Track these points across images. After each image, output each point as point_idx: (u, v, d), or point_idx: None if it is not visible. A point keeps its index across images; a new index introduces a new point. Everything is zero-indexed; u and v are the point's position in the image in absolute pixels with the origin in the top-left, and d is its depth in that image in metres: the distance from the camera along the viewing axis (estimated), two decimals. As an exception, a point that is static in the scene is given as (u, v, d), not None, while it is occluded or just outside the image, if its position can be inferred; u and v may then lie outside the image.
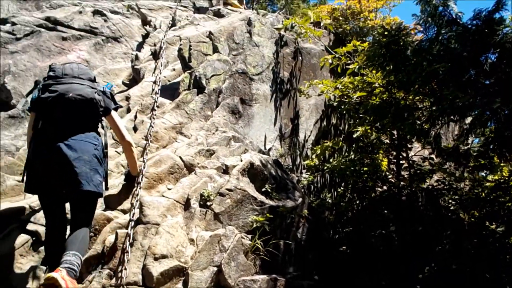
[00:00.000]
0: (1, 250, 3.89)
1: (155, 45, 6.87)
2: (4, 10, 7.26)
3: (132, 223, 3.88)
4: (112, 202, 4.30)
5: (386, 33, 5.24)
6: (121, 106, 4.30)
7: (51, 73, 3.63)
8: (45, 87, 3.55)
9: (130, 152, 4.18)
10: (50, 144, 3.45)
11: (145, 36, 7.47)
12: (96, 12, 7.41)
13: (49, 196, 3.59)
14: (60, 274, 2.97)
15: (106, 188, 3.93)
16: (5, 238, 3.96)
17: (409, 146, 5.91)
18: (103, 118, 3.85)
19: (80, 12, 7.25)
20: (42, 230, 3.97)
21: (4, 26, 6.54)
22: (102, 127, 3.92)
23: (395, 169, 5.92)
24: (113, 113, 3.95)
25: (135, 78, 6.48)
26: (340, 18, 8.27)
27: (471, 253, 4.82)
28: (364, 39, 7.49)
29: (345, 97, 6.01)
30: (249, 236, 4.20)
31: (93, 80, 3.77)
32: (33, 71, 6.14)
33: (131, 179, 4.44)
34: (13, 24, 6.56)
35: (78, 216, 3.54)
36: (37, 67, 6.20)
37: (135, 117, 5.46)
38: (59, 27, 6.81)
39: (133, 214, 4.00)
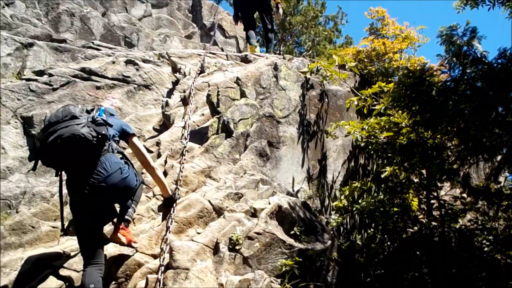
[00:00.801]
0: (36, 296, 4.00)
1: (184, 91, 7.08)
2: (42, 62, 7.63)
3: (162, 268, 3.94)
4: (143, 247, 4.38)
5: (410, 74, 5.30)
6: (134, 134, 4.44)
7: (42, 126, 3.78)
8: (40, 143, 3.68)
9: (156, 175, 4.52)
10: (75, 186, 3.77)
11: (175, 83, 7.70)
12: (129, 62, 7.71)
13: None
14: (121, 233, 3.98)
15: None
16: (39, 284, 4.06)
17: (439, 185, 5.85)
18: (107, 142, 3.93)
19: (114, 62, 7.57)
20: (75, 275, 4.07)
21: (41, 77, 6.87)
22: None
23: (425, 209, 5.85)
24: (134, 139, 4.32)
25: (165, 123, 6.67)
26: (365, 60, 8.36)
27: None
28: (389, 79, 7.56)
29: (372, 137, 6.04)
30: (278, 280, 4.20)
31: (78, 116, 3.72)
32: (68, 120, 6.38)
33: (168, 203, 4.73)
34: (50, 75, 6.89)
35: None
36: (72, 116, 6.44)
37: (165, 162, 5.59)
38: (93, 77, 7.11)
39: (163, 259, 4.07)
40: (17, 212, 5.10)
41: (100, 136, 3.74)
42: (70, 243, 4.61)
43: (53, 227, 4.90)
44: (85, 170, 3.72)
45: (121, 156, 4.01)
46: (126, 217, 4.14)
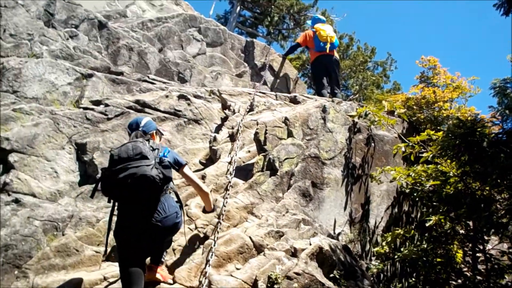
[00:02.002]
0: (76, 318, 4.09)
1: (232, 128, 7.22)
2: (99, 92, 7.97)
3: (201, 303, 3.97)
4: (182, 278, 4.42)
5: (461, 124, 5.25)
6: (186, 163, 4.65)
7: (110, 160, 3.96)
8: (108, 176, 3.90)
9: (206, 197, 4.85)
10: (128, 220, 3.96)
11: (224, 119, 7.87)
12: (181, 96, 7.96)
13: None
14: (157, 271, 4.09)
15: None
16: (80, 307, 4.15)
17: (486, 238, 5.67)
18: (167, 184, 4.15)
19: (167, 96, 7.83)
20: (115, 301, 4.14)
21: (98, 107, 7.17)
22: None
23: (470, 262, 5.66)
24: (185, 170, 4.51)
25: (211, 158, 6.80)
26: (414, 107, 8.34)
27: None
28: (438, 128, 7.49)
29: (418, 184, 5.95)
30: (317, 323, 4.15)
31: (147, 155, 3.91)
32: (119, 149, 6.60)
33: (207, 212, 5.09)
34: (106, 105, 7.18)
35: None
36: (123, 145, 6.67)
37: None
38: (146, 109, 7.37)
39: (202, 292, 4.10)
40: (63, 235, 5.27)
41: (165, 178, 3.97)
42: (111, 269, 4.70)
43: (96, 252, 5.01)
44: (144, 206, 3.92)
45: (176, 199, 4.22)
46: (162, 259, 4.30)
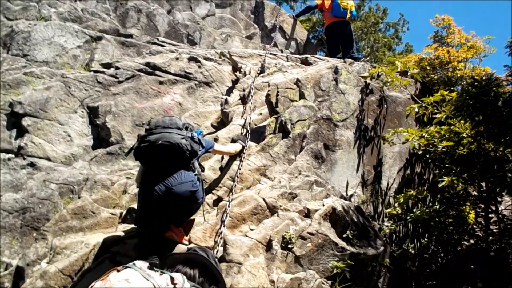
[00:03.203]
0: (92, 279, 4.17)
1: (244, 90, 7.17)
2: (109, 55, 7.93)
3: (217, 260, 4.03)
4: (197, 239, 4.48)
5: (476, 83, 5.18)
6: (214, 144, 4.94)
7: (146, 127, 4.24)
8: (141, 138, 4.14)
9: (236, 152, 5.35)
10: (150, 186, 4.02)
11: (235, 81, 7.82)
12: (191, 59, 7.88)
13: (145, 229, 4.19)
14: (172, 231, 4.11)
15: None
16: (97, 268, 4.21)
17: (499, 199, 5.67)
18: (195, 161, 4.35)
19: (177, 59, 7.76)
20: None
21: (108, 70, 7.14)
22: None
23: (483, 222, 5.69)
24: (216, 146, 4.90)
25: (223, 121, 6.78)
26: (428, 68, 8.20)
27: None
28: (452, 89, 7.39)
29: (431, 146, 5.92)
30: (329, 281, 4.21)
31: (181, 128, 4.25)
32: (131, 112, 6.61)
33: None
34: (117, 68, 7.14)
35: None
36: (135, 108, 6.67)
37: (222, 158, 5.69)
38: (157, 72, 7.32)
39: (217, 251, 4.16)
40: (79, 198, 5.34)
41: (193, 151, 4.20)
42: (128, 230, 4.77)
43: (112, 214, 5.07)
44: (166, 173, 4.06)
45: (196, 175, 4.29)
46: None
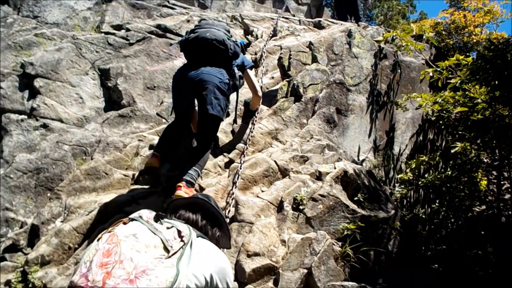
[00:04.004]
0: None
1: (256, 53, 7.10)
2: (119, 18, 7.85)
3: (228, 220, 4.06)
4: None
5: (492, 47, 5.06)
6: (254, 66, 5.56)
7: (197, 23, 4.83)
8: (191, 31, 4.63)
9: (257, 101, 5.52)
10: (187, 72, 4.52)
11: (247, 45, 7.72)
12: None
13: (181, 116, 4.77)
14: (183, 190, 4.04)
15: (227, 115, 5.39)
16: (110, 226, 4.26)
17: (512, 167, 5.63)
18: (235, 67, 4.81)
19: (188, 21, 7.67)
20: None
21: (119, 31, 7.08)
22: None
23: (495, 189, 5.65)
24: (249, 71, 5.14)
25: (235, 85, 6.72)
26: (443, 33, 8.05)
27: None
28: (467, 54, 7.26)
29: (444, 112, 5.84)
30: (339, 243, 4.24)
31: (228, 31, 4.72)
32: (142, 75, 6.57)
33: (248, 111, 5.68)
34: (127, 30, 7.07)
35: (202, 133, 4.57)
36: (146, 71, 6.63)
37: (234, 121, 5.68)
38: (168, 34, 7.25)
39: (228, 211, 4.19)
40: (91, 159, 5.37)
41: (235, 52, 4.67)
42: (140, 191, 4.80)
43: (125, 175, 5.11)
44: (204, 65, 4.49)
45: (232, 79, 4.76)
46: (187, 178, 4.21)
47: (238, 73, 4.88)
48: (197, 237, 2.08)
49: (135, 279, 1.69)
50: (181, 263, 1.81)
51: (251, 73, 5.21)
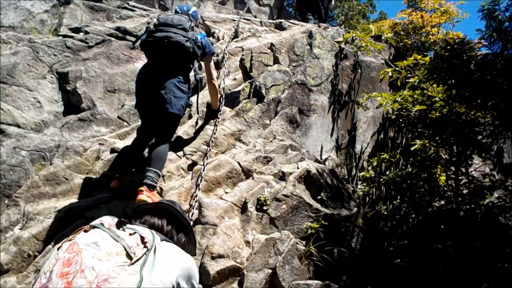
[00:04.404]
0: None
1: (217, 55, 7.08)
2: (77, 20, 7.71)
3: (191, 223, 4.03)
4: (172, 203, 4.46)
5: (449, 47, 5.20)
6: (215, 53, 5.68)
7: (155, 22, 4.72)
8: (149, 33, 4.63)
9: (214, 92, 5.52)
10: (147, 77, 4.64)
11: (208, 46, 7.70)
12: (163, 24, 7.71)
13: (145, 116, 4.80)
14: (145, 195, 4.02)
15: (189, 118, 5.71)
16: (71, 232, 4.17)
17: (469, 162, 5.78)
18: (195, 61, 4.96)
19: (148, 23, 7.59)
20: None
21: (78, 34, 6.95)
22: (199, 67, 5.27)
23: (453, 184, 5.80)
24: (208, 58, 5.19)
25: (196, 86, 6.69)
26: (402, 33, 8.22)
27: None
28: (425, 54, 7.42)
29: (404, 110, 5.95)
30: (303, 242, 4.27)
31: (188, 30, 4.69)
32: (102, 78, 6.47)
33: (211, 111, 5.68)
34: (86, 32, 6.96)
35: (161, 132, 4.60)
36: (106, 74, 6.53)
37: (196, 123, 5.66)
38: (128, 37, 7.16)
39: (192, 214, 4.17)
40: (51, 164, 5.25)
41: (194, 53, 4.72)
42: (102, 195, 4.73)
43: (85, 180, 5.02)
44: (164, 65, 4.59)
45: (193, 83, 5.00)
46: (148, 181, 4.17)
47: (196, 67, 5.11)
48: (162, 241, 2.04)
49: None
50: (144, 270, 1.77)
51: (211, 59, 5.29)
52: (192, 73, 5.06)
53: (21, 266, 4.06)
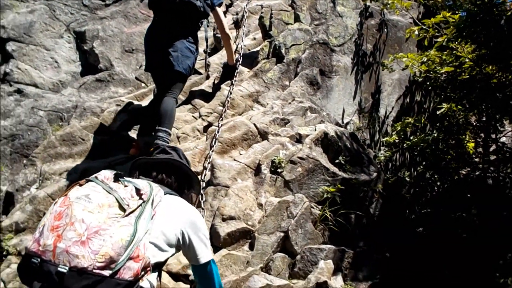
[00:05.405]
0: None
1: (237, 14, 6.85)
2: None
3: (204, 184, 3.94)
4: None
5: (478, 1, 4.84)
6: (223, 3, 5.30)
7: None
8: None
9: (228, 43, 5.28)
10: (156, 36, 4.51)
11: (229, 5, 7.46)
12: (183, -19, 7.49)
13: (155, 74, 4.71)
14: None
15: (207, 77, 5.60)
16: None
17: (500, 128, 5.48)
18: (203, 19, 4.77)
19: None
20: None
21: (95, -8, 6.80)
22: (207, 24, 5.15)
23: (482, 151, 5.54)
24: (218, 9, 4.97)
25: (216, 46, 6.51)
26: (433, -11, 7.78)
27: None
28: (456, 11, 7.01)
29: (432, 72, 5.66)
30: (319, 206, 4.13)
31: None
32: (120, 37, 6.34)
33: (228, 69, 5.45)
34: (104, -10, 6.80)
35: (169, 88, 4.43)
36: (123, 33, 6.40)
37: (213, 83, 5.50)
38: (148, -6, 6.98)
39: (205, 175, 4.07)
40: (68, 125, 5.21)
41: (205, 12, 4.61)
42: (118, 157, 4.67)
43: (102, 141, 4.97)
44: (172, 23, 4.45)
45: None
46: (159, 141, 4.10)
47: (204, 24, 4.97)
48: (165, 194, 2.03)
49: (87, 240, 1.63)
50: (140, 222, 1.76)
51: (220, 10, 5.06)
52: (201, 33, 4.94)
53: (37, 225, 4.05)
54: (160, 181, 2.20)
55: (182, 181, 2.35)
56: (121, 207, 1.77)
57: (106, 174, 1.98)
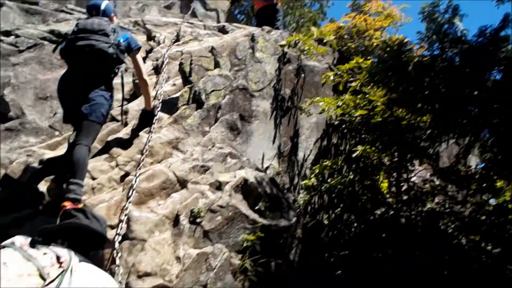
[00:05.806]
0: None
1: (157, 59, 6.82)
2: (10, 23, 7.28)
3: (119, 238, 3.78)
4: (101, 217, 4.19)
5: (388, 48, 5.15)
6: (141, 47, 5.20)
7: (74, 29, 4.44)
8: (69, 40, 4.39)
9: (146, 89, 5.25)
10: (68, 84, 4.44)
11: (149, 51, 7.41)
12: (101, 27, 7.39)
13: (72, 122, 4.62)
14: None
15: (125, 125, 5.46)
16: None
17: (410, 168, 5.76)
18: (119, 65, 4.68)
19: (83, 26, 7.23)
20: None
21: (7, 38, 6.53)
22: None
23: (395, 191, 5.77)
24: (137, 55, 4.95)
25: (135, 92, 6.41)
26: (346, 36, 8.20)
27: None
28: (368, 57, 7.41)
29: (347, 115, 5.90)
30: (239, 255, 4.09)
31: (109, 34, 4.42)
32: (33, 84, 6.09)
33: (147, 116, 5.34)
34: (17, 36, 6.53)
35: (82, 137, 4.27)
36: (37, 80, 6.15)
37: (132, 131, 5.38)
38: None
39: (120, 228, 3.90)
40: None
41: (119, 60, 4.55)
42: (26, 212, 4.40)
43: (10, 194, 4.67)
44: (85, 73, 4.40)
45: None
46: (71, 195, 3.89)
47: (122, 71, 4.86)
48: (80, 262, 1.94)
49: None
50: None
51: (138, 56, 5.04)
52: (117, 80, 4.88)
53: None
54: (69, 248, 2.08)
55: (91, 242, 2.25)
56: (41, 276, 1.70)
57: (22, 240, 1.88)
